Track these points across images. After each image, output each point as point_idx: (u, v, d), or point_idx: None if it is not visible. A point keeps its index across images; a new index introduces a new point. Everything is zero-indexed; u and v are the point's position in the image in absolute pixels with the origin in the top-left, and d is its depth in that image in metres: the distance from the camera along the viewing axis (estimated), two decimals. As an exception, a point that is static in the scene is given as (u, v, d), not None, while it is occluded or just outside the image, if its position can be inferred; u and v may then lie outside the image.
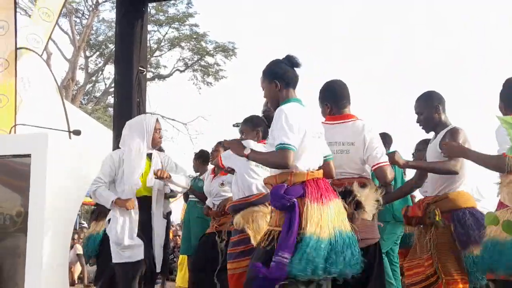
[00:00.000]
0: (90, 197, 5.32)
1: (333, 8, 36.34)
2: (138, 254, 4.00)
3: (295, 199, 2.99)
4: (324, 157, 3.29)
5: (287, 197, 2.99)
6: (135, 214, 4.02)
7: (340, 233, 2.99)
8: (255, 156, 3.21)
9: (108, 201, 3.94)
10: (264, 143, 4.51)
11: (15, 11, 5.77)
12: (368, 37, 36.50)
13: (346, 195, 3.22)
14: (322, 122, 3.51)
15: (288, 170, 3.06)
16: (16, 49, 5.82)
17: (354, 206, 3.19)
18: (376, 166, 3.42)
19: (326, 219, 2.97)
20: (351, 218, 3.16)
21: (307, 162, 3.11)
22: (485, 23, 39.21)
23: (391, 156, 3.59)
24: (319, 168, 3.19)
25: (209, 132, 23.37)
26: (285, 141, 3.01)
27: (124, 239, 3.94)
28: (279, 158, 3.02)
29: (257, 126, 4.31)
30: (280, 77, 3.23)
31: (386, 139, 5.37)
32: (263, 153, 3.21)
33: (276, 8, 38.01)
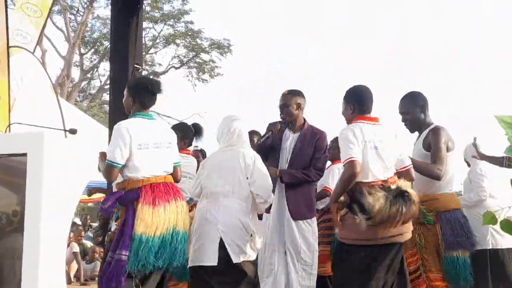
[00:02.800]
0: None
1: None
2: None
3: (106, 208, 3.51)
4: (174, 163, 3.78)
5: (104, 207, 3.53)
6: None
7: (174, 231, 3.50)
8: (100, 166, 3.69)
9: None
10: (188, 153, 4.98)
11: (6, 9, 5.71)
12: (365, 24, 36.60)
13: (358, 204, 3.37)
14: (362, 120, 3.60)
15: (126, 178, 3.56)
16: (8, 47, 5.77)
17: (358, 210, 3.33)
18: (405, 169, 3.59)
19: (157, 219, 3.44)
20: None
21: (142, 170, 3.56)
22: (481, 13, 39.44)
23: None
24: (168, 174, 3.68)
25: (205, 129, 23.31)
26: (110, 158, 3.50)
27: None
28: (105, 173, 3.54)
29: (186, 137, 4.87)
30: (137, 95, 3.72)
31: None
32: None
33: (271, 3, 38.00)
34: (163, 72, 23.11)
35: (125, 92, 3.81)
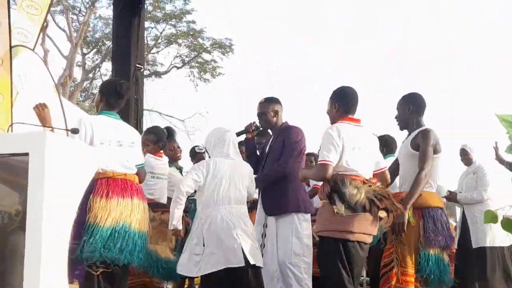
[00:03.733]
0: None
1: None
2: None
3: None
4: (136, 165, 3.93)
5: None
6: None
7: (126, 227, 3.59)
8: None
9: None
10: (161, 155, 5.08)
11: (9, 8, 5.72)
12: (366, 25, 36.64)
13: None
14: (347, 120, 3.68)
15: None
16: (11, 46, 5.78)
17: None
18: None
19: (108, 210, 3.56)
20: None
21: (100, 163, 3.61)
22: (483, 14, 39.47)
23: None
24: (130, 173, 3.80)
25: (206, 128, 23.39)
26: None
27: None
28: None
29: (160, 140, 5.03)
30: (105, 95, 3.97)
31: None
32: None
33: (273, 3, 38.03)
34: (165, 72, 23.13)
35: (98, 93, 4.07)
